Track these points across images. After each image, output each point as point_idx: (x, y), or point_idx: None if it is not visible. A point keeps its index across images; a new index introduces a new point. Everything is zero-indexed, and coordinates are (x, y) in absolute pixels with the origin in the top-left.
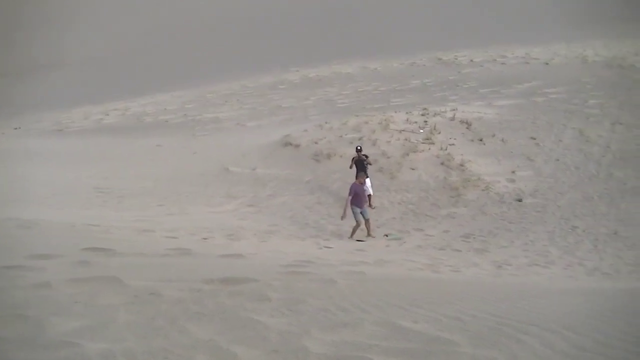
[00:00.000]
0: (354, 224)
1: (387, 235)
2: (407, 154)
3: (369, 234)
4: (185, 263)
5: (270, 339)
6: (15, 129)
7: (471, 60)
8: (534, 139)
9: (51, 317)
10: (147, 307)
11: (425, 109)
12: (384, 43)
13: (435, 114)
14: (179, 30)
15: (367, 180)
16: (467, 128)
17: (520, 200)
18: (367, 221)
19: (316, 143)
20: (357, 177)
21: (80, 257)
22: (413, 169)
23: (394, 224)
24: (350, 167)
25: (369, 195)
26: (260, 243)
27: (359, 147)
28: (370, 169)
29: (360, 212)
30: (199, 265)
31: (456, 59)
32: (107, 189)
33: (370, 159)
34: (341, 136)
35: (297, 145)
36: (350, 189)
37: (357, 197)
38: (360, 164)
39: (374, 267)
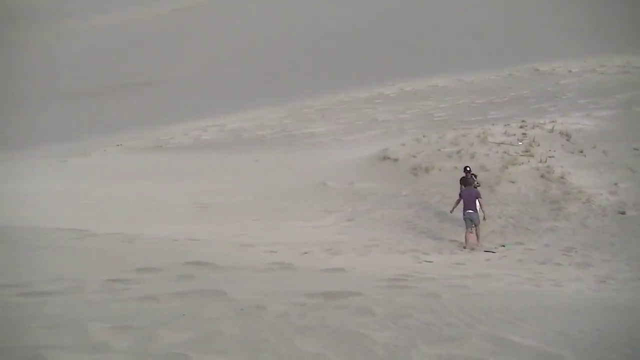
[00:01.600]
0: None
1: (503, 246)
2: (506, 167)
3: (475, 242)
4: (287, 277)
5: (376, 353)
6: (117, 145)
7: (569, 71)
8: (637, 149)
9: (159, 329)
10: (252, 320)
11: (523, 121)
12: (479, 55)
13: (534, 126)
14: (275, 46)
15: (477, 203)
16: (567, 140)
17: (623, 213)
18: (475, 227)
19: (414, 157)
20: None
21: (183, 271)
22: (512, 182)
23: (494, 238)
24: (460, 188)
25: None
26: (360, 257)
27: (468, 168)
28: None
29: (468, 218)
30: (301, 279)
31: (554, 69)
32: (206, 204)
33: (478, 179)
34: (439, 150)
35: (395, 159)
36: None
37: (465, 202)
38: (469, 184)
39: (476, 281)
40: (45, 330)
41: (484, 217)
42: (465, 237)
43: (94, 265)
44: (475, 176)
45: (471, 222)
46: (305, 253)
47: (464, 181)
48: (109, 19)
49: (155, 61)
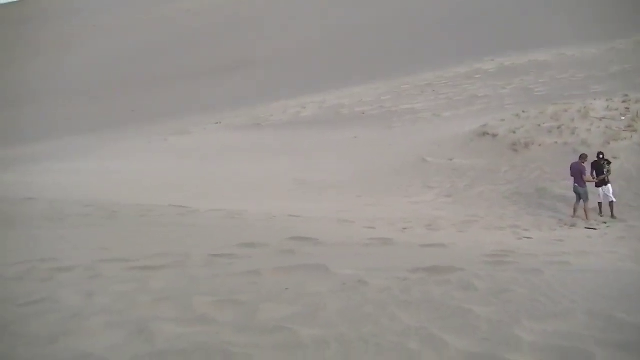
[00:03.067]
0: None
1: (605, 223)
2: (608, 143)
3: (585, 217)
4: (387, 252)
5: (480, 328)
6: (216, 123)
7: None
8: None
9: (263, 303)
10: (355, 294)
11: (626, 95)
12: (580, 29)
13: (637, 101)
14: (373, 24)
15: (609, 187)
16: None
17: None
18: (582, 202)
19: (514, 132)
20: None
21: (285, 246)
22: (615, 158)
23: (594, 215)
24: (592, 174)
25: (611, 203)
26: (459, 233)
27: (601, 155)
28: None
29: (575, 191)
30: (402, 254)
31: None
32: (306, 181)
33: (611, 166)
34: (539, 125)
35: (495, 135)
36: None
37: (573, 176)
38: (599, 169)
39: (577, 258)
40: (151, 303)
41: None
42: (574, 207)
43: (197, 241)
44: (609, 163)
45: (578, 195)
46: (404, 229)
47: (595, 166)
48: (204, 2)
49: (252, 42)
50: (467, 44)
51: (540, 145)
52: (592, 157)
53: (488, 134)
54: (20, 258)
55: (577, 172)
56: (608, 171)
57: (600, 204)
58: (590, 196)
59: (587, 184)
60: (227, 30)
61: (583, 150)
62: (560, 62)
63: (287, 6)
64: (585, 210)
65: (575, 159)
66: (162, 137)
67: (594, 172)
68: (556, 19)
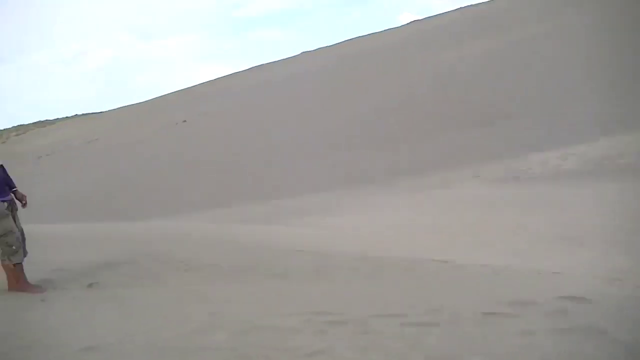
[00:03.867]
0: None
1: None
2: None
3: None
4: None
5: None
6: (475, 177)
7: None
8: None
9: None
10: None
11: None
12: None
13: None
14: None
15: None
16: None
17: None
18: None
19: None
20: None
21: (556, 305)
22: None
23: None
24: None
25: None
26: None
27: None
28: None
29: None
30: None
31: None
32: (568, 235)
33: None
34: None
35: None
36: None
37: None
38: None
39: None
40: None
41: None
42: None
43: (466, 297)
44: None
45: None
46: None
47: None
48: (476, 46)
49: (511, 91)
50: None
51: None
52: None
53: None
54: (295, 310)
55: None
56: None
57: None
58: None
59: None
60: (491, 79)
61: None
62: None
63: (547, 47)
64: None
65: None
66: (423, 190)
67: None
68: None
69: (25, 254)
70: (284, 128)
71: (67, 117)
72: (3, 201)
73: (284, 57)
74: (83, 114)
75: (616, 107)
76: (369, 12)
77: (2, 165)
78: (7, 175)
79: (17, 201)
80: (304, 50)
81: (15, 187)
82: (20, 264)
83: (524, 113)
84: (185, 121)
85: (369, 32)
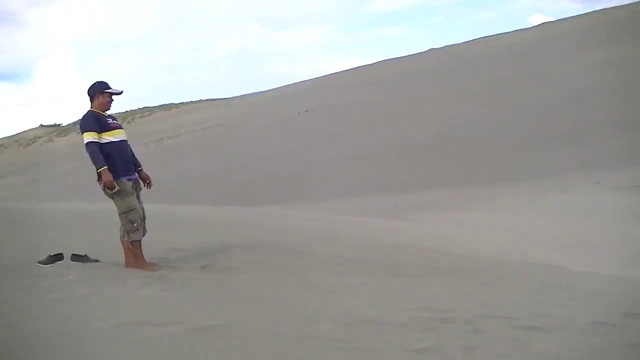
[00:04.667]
0: None
1: None
2: None
3: None
4: None
5: None
6: (596, 183)
7: None
8: None
9: None
10: None
11: None
12: None
13: None
14: None
15: None
16: None
17: None
18: None
19: None
20: None
21: None
22: None
23: None
24: None
25: None
26: None
27: None
28: None
29: None
30: None
31: None
32: None
33: None
34: None
35: None
36: None
37: None
38: None
39: None
40: None
41: None
42: None
43: (579, 305)
44: None
45: None
46: None
47: None
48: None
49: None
50: None
51: None
52: None
53: None
54: (404, 305)
55: None
56: None
57: None
58: None
59: None
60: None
61: None
62: None
63: None
64: None
65: None
66: (541, 195)
67: None
68: None
69: (144, 232)
70: (410, 125)
71: (192, 101)
72: (129, 179)
73: (411, 53)
74: (208, 100)
75: None
76: (499, 12)
77: (127, 143)
78: (133, 154)
79: (140, 181)
80: (431, 47)
81: (140, 167)
82: (139, 241)
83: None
84: (307, 111)
85: (498, 32)
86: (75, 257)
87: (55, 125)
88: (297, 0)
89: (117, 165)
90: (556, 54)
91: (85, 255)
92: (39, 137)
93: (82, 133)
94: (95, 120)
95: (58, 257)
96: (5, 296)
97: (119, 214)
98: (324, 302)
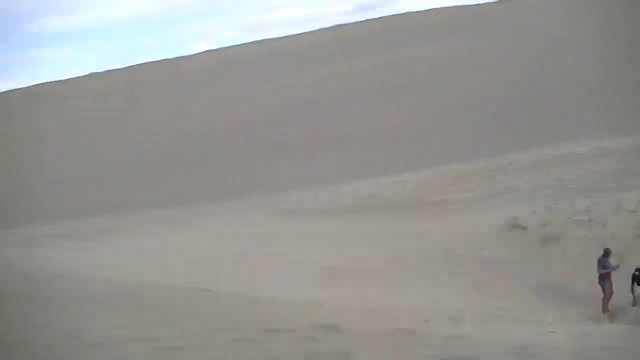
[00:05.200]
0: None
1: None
2: (639, 236)
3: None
4: (409, 343)
5: None
6: (247, 209)
7: None
8: None
9: None
10: None
11: None
12: (615, 119)
13: None
14: (409, 114)
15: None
16: None
17: None
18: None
19: (544, 225)
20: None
21: (308, 333)
22: None
23: (622, 309)
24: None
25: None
26: (484, 325)
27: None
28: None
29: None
30: (424, 345)
31: None
32: (335, 268)
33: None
34: (570, 218)
35: (525, 228)
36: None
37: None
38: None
39: (604, 353)
40: None
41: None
42: (603, 301)
43: (221, 324)
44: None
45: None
46: (427, 320)
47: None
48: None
49: (287, 126)
50: (500, 136)
51: (569, 238)
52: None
53: (518, 226)
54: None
55: (599, 266)
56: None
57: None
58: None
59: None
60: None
61: (614, 244)
62: (594, 153)
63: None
64: (603, 304)
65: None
66: (192, 220)
67: (634, 284)
68: (591, 110)
69: None
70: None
71: None
72: None
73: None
74: None
75: (379, 151)
76: (163, 39)
77: None
78: None
79: None
80: (93, 72)
81: None
82: None
83: (299, 147)
84: None
85: (162, 58)
86: None
87: None
88: None
89: None
90: (225, 81)
91: None
92: None
93: None
94: None
95: None
96: None
97: None
98: None
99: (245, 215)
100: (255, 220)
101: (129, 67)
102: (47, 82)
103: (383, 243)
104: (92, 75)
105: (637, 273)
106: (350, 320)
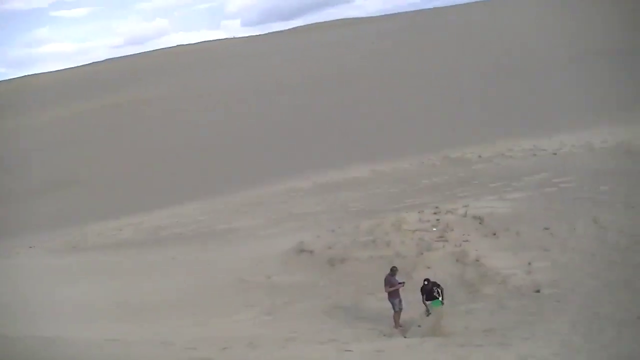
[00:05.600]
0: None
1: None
2: (422, 253)
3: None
4: None
5: None
6: (30, 247)
7: (479, 156)
8: (548, 229)
9: None
10: None
11: (437, 207)
12: (392, 145)
13: (447, 212)
14: (187, 145)
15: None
16: (480, 223)
17: (538, 292)
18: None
19: (330, 248)
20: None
21: None
22: (428, 268)
23: (412, 323)
24: (423, 300)
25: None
26: (280, 350)
27: (427, 280)
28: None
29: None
30: None
31: (464, 155)
32: (126, 302)
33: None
34: (355, 239)
35: (311, 252)
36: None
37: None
38: (430, 293)
39: None
40: None
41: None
42: (394, 318)
43: None
44: (439, 286)
45: (393, 306)
46: (225, 348)
47: (425, 290)
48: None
49: (70, 162)
50: (283, 163)
51: (356, 259)
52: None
53: (305, 250)
54: None
55: (387, 284)
56: (438, 293)
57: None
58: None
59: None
60: (48, 149)
61: (398, 262)
62: (374, 178)
63: (106, 126)
64: (395, 320)
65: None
66: None
67: (424, 296)
68: (366, 136)
69: None
70: None
71: None
72: None
73: None
74: None
75: (171, 183)
76: None
77: None
78: None
79: None
80: None
81: None
82: None
83: (84, 184)
84: None
85: None
86: None
87: None
88: None
89: None
90: None
91: None
92: None
93: None
94: None
95: None
96: None
97: None
98: None
99: (27, 253)
100: (37, 258)
101: None
102: None
103: (174, 275)
104: None
105: (426, 283)
106: (143, 356)
